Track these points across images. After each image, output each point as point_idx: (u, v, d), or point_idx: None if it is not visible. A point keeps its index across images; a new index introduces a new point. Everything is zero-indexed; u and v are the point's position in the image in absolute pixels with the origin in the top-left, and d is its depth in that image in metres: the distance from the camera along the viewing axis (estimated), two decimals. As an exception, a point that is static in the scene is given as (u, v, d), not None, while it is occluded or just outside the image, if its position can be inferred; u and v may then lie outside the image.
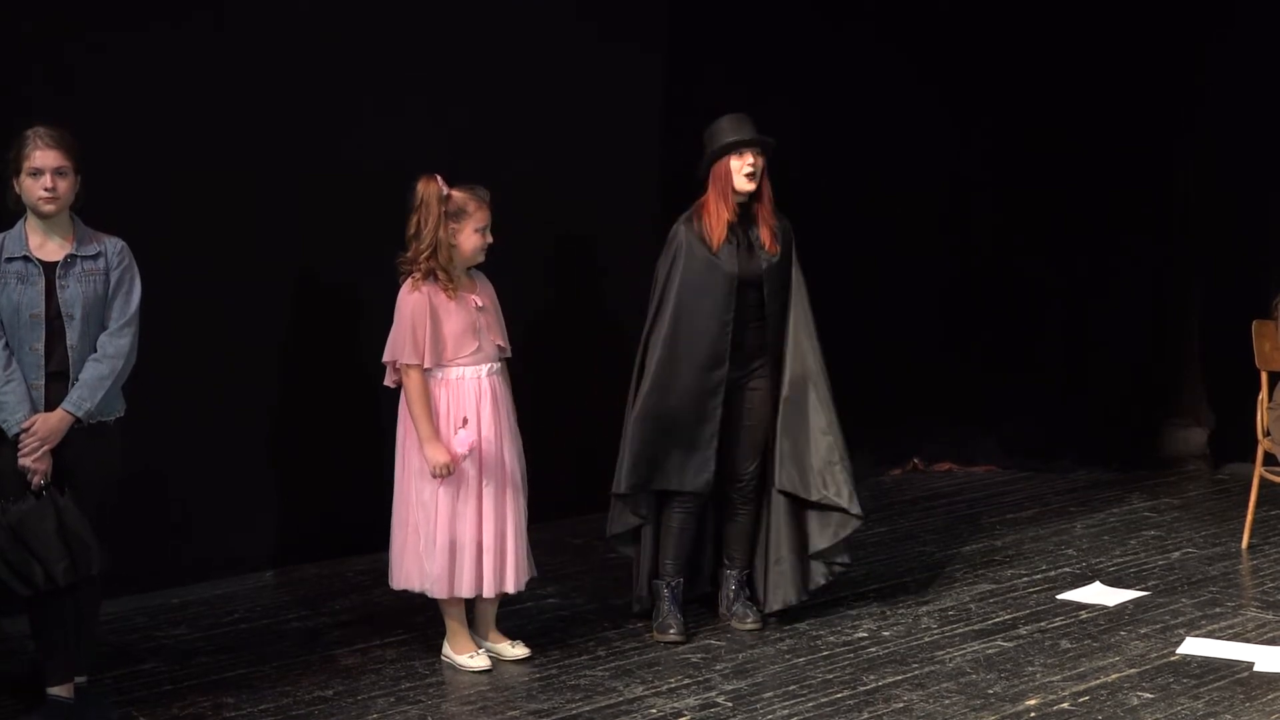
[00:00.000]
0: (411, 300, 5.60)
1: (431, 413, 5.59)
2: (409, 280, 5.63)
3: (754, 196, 6.02)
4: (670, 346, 6.00)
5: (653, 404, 6.00)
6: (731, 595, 6.24)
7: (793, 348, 6.10)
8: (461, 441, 5.57)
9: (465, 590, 5.67)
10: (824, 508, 6.12)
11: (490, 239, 5.70)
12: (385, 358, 5.67)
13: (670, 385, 6.00)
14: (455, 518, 5.62)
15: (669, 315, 6.01)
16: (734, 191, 5.98)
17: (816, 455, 6.10)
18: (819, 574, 6.20)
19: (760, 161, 5.97)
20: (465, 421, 5.61)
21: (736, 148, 5.95)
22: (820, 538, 6.14)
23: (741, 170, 5.95)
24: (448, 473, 5.57)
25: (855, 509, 6.11)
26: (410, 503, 5.65)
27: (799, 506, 6.15)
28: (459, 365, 5.65)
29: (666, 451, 6.02)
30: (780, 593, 6.16)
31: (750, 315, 6.05)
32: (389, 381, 5.71)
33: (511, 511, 5.72)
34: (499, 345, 5.77)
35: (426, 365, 5.59)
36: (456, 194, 5.63)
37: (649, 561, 6.19)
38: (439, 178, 5.62)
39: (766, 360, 6.10)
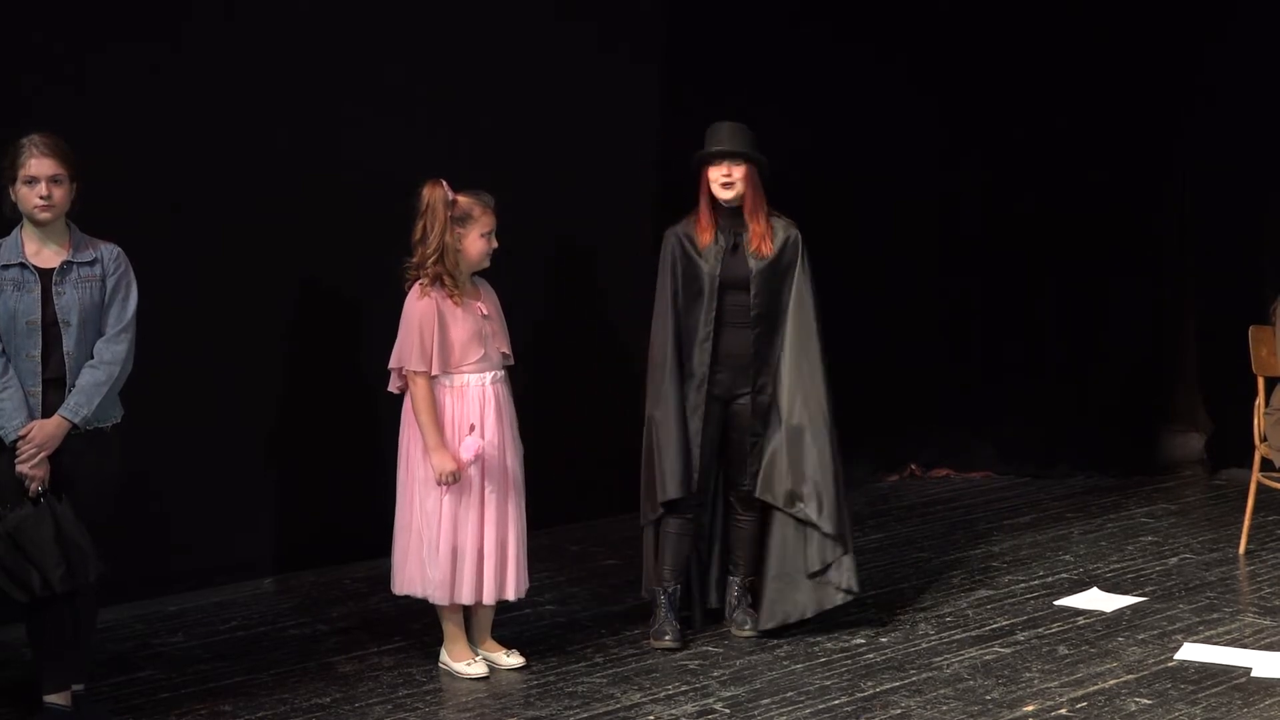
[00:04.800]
0: (419, 307, 5.57)
1: (438, 420, 5.58)
2: (416, 286, 5.61)
3: (744, 202, 6.00)
4: (659, 353, 6.00)
5: (650, 414, 5.99)
6: (734, 601, 6.23)
7: (790, 365, 6.00)
8: (468, 447, 5.56)
9: (465, 597, 5.66)
10: (819, 529, 6.00)
11: (496, 244, 5.70)
12: (391, 364, 5.65)
13: (658, 393, 5.98)
14: (458, 524, 5.60)
15: (657, 322, 6.02)
16: (715, 199, 5.99)
17: (805, 472, 5.97)
18: (823, 598, 6.05)
19: (738, 171, 5.93)
20: (472, 428, 5.60)
21: (712, 159, 5.96)
22: (816, 559, 6.03)
23: (718, 180, 5.96)
24: (454, 480, 5.56)
25: (827, 527, 5.94)
26: (414, 509, 5.64)
27: (801, 524, 6.04)
28: (464, 372, 5.63)
29: (661, 459, 5.99)
30: (780, 609, 6.08)
31: (736, 319, 6.00)
32: (393, 387, 5.69)
33: (513, 519, 5.71)
34: (503, 353, 5.77)
35: (433, 372, 5.58)
36: (462, 199, 5.61)
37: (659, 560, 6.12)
38: (444, 183, 5.60)
39: (763, 373, 6.01)
